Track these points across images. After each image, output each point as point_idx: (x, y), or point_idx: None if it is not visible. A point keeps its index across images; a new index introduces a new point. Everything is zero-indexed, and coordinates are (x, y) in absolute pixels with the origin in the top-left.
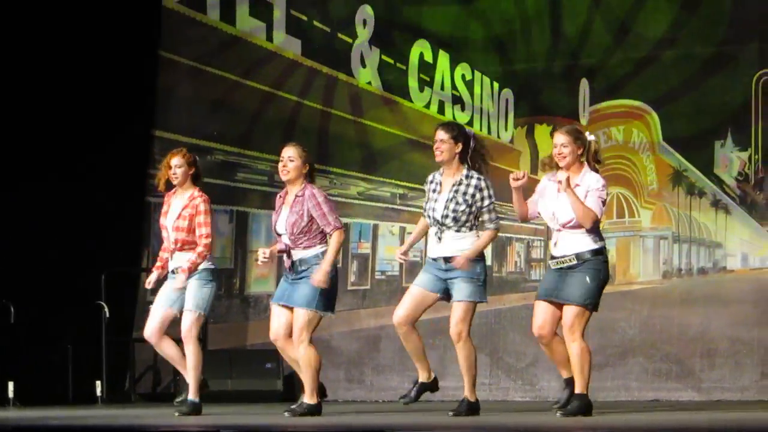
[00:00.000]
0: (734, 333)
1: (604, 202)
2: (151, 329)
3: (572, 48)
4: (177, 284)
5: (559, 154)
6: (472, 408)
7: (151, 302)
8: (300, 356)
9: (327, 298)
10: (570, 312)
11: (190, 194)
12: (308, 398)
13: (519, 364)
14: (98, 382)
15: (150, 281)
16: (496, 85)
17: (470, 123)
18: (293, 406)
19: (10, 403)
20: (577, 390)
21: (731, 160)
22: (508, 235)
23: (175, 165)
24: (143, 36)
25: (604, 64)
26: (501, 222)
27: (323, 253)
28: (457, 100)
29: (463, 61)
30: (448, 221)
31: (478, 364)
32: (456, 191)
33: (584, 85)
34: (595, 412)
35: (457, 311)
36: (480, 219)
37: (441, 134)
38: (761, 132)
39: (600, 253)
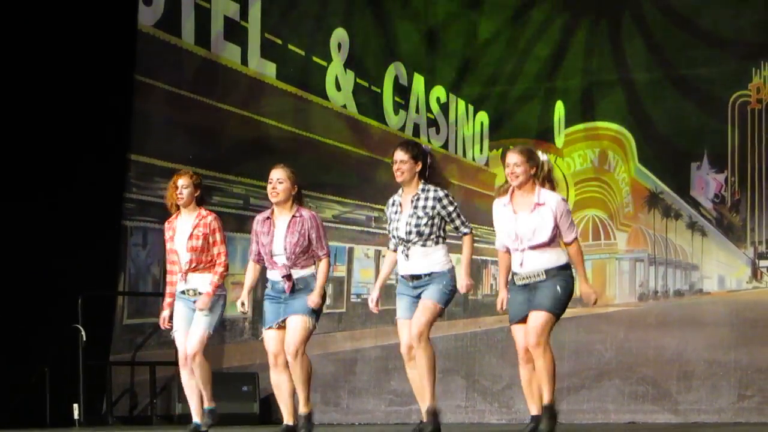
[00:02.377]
0: (711, 355)
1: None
2: (185, 355)
3: (547, 70)
4: (200, 305)
5: (512, 173)
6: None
7: (128, 325)
8: (299, 366)
9: (319, 312)
10: (540, 317)
11: (197, 214)
12: (303, 407)
13: (495, 386)
14: (75, 405)
15: (164, 318)
16: (471, 107)
17: (445, 146)
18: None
19: None
20: (548, 401)
21: (707, 182)
22: (483, 257)
23: (182, 185)
24: (119, 59)
25: (580, 86)
26: (476, 245)
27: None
28: (432, 122)
29: (438, 84)
30: (413, 236)
31: (454, 387)
32: (415, 206)
33: (559, 108)
34: None
35: (420, 311)
36: (453, 227)
37: (400, 155)
38: (737, 154)
39: (568, 267)
